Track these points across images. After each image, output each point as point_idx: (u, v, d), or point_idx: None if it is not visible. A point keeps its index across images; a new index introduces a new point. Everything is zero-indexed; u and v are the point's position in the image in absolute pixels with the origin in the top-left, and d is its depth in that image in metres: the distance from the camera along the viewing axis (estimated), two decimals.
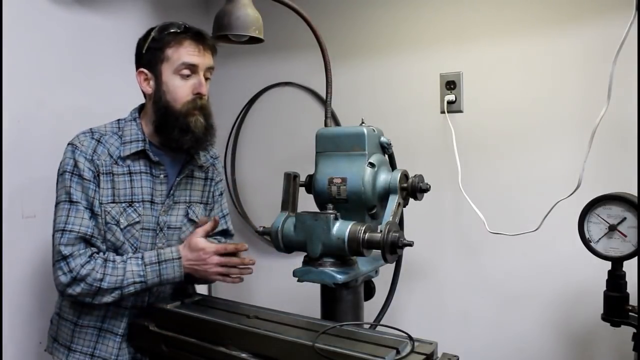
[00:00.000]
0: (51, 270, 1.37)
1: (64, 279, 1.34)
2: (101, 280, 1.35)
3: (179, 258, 1.40)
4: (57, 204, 1.41)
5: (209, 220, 1.49)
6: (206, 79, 1.46)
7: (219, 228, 1.66)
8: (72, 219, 1.37)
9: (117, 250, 1.43)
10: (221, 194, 1.67)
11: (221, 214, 1.66)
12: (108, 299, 1.37)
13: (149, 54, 1.43)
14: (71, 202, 1.38)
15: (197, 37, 1.43)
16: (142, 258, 1.40)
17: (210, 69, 1.47)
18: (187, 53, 1.41)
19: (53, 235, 1.38)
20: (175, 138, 1.43)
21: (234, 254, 1.43)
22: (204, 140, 1.46)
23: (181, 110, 1.42)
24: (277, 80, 2.22)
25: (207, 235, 1.45)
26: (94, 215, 1.39)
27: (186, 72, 1.42)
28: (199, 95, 1.43)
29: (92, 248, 1.39)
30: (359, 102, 2.02)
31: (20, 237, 1.63)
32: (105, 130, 1.46)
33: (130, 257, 1.40)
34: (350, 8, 2.04)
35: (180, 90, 1.42)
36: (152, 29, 1.45)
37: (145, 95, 1.49)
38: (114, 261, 1.38)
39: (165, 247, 1.47)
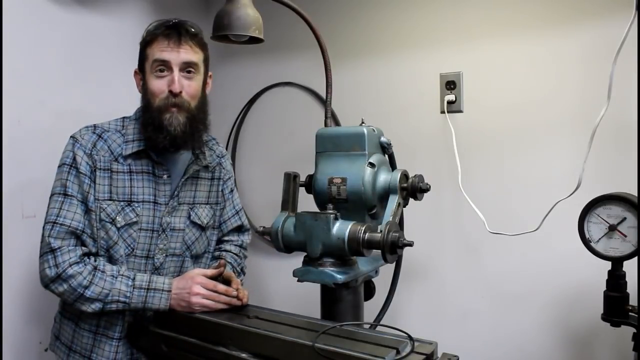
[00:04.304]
0: None
1: (49, 272, 1.32)
2: (86, 287, 1.32)
3: (169, 291, 1.36)
4: (51, 195, 1.39)
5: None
6: (187, 74, 1.40)
7: (235, 224, 1.66)
8: (64, 212, 1.35)
9: (109, 249, 1.40)
10: (232, 190, 1.66)
11: (234, 210, 1.66)
12: (88, 308, 1.34)
13: (139, 54, 1.44)
14: (66, 195, 1.37)
15: (170, 32, 1.38)
16: (133, 279, 1.36)
17: (189, 64, 1.39)
18: (158, 49, 1.38)
19: (43, 227, 1.36)
20: (149, 136, 1.40)
21: (216, 279, 1.39)
22: (182, 139, 1.40)
23: (157, 106, 1.38)
24: (277, 80, 2.22)
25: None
26: (87, 210, 1.38)
27: (160, 68, 1.38)
28: (172, 93, 1.37)
29: (83, 247, 1.36)
30: (359, 102, 2.02)
31: (20, 237, 1.63)
32: (108, 127, 1.46)
33: (122, 275, 1.36)
34: (350, 8, 2.03)
35: (155, 86, 1.39)
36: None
37: None
38: (103, 272, 1.35)
39: (164, 261, 1.47)
